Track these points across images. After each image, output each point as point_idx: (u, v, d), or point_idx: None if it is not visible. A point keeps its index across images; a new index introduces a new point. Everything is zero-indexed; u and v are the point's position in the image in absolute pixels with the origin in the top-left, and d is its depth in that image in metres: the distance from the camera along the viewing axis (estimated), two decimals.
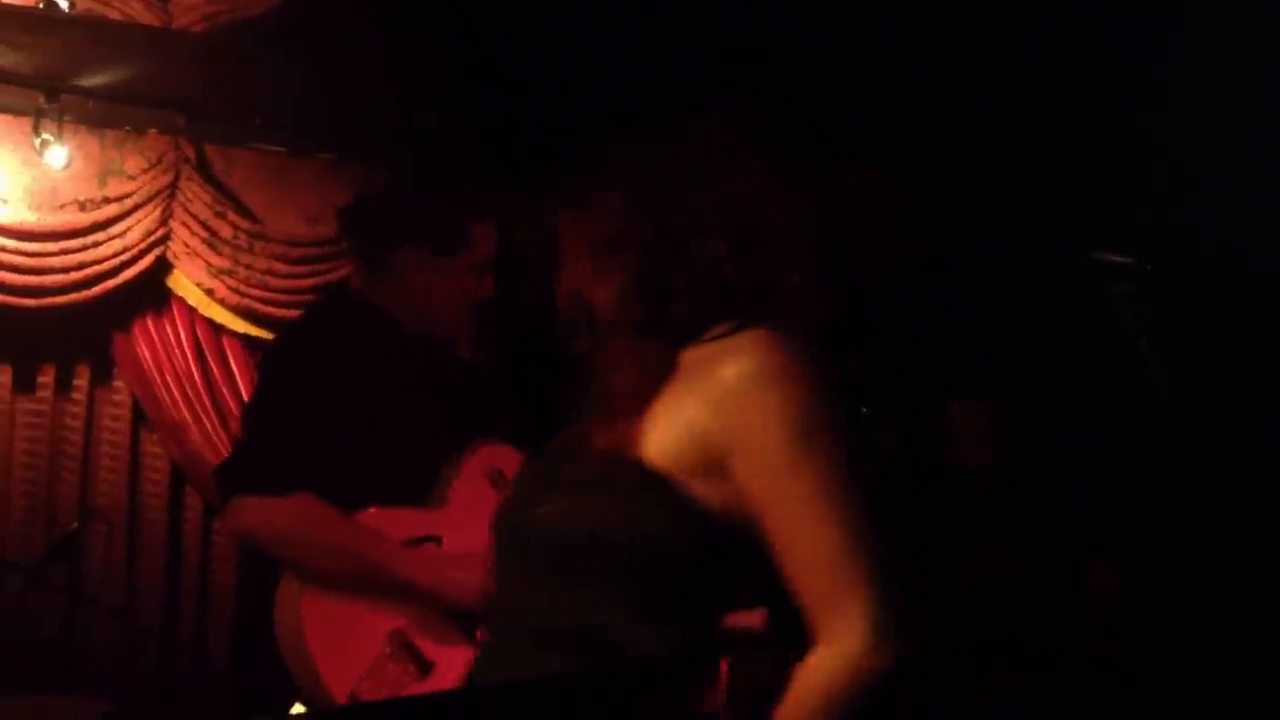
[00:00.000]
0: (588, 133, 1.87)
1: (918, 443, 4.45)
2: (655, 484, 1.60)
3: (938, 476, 4.26)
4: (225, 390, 4.78)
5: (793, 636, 3.46)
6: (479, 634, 2.45)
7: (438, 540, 2.48)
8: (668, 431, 1.62)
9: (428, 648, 2.39)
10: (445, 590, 2.40)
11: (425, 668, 2.37)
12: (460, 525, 2.50)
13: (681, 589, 1.62)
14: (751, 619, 3.54)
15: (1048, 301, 4.18)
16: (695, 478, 1.60)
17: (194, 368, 4.74)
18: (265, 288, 4.81)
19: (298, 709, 2.24)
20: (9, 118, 4.32)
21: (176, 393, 4.70)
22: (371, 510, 2.42)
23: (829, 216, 1.78)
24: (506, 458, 2.62)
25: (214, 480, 2.48)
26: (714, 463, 1.60)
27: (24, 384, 4.54)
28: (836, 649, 1.53)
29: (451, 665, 2.40)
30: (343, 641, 2.31)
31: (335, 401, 2.41)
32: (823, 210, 1.79)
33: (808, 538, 1.55)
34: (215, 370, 4.78)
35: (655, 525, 1.60)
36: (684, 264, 1.67)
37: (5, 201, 4.37)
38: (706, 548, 1.62)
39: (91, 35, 3.89)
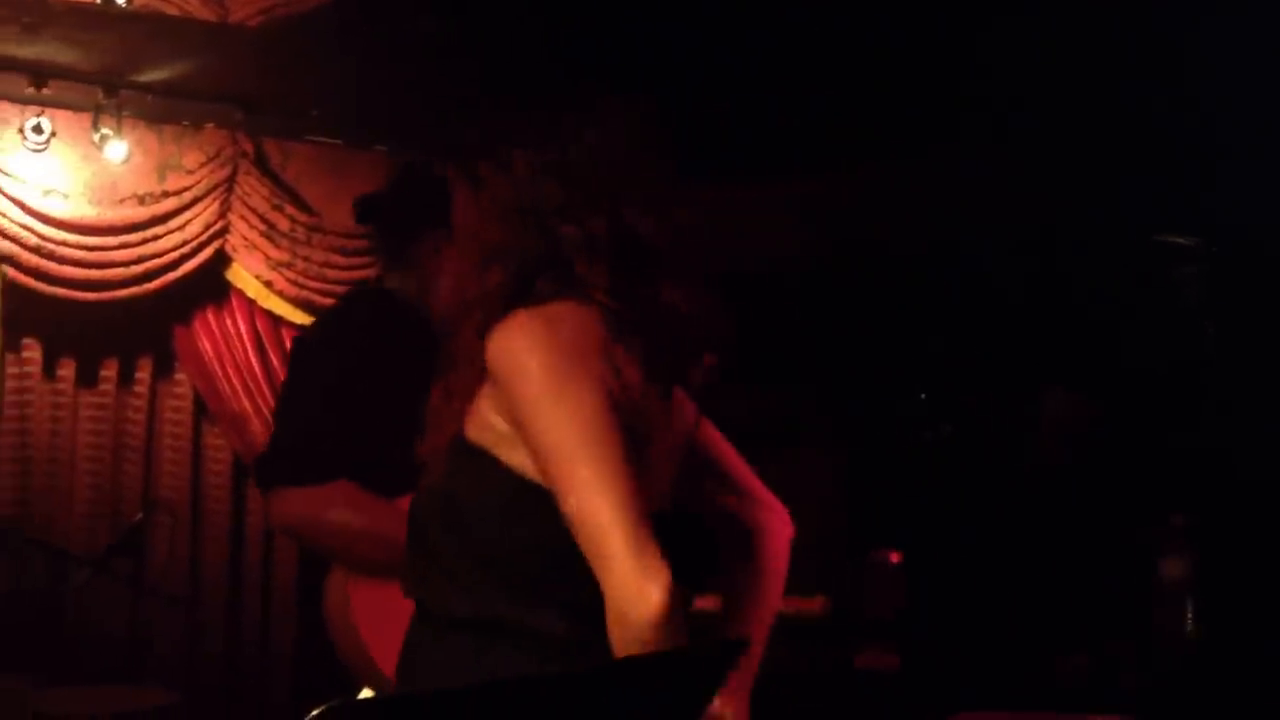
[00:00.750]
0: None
1: (988, 432, 4.41)
2: (473, 455, 1.69)
3: (1007, 466, 4.22)
4: None
5: (852, 626, 3.43)
6: None
7: None
8: (480, 406, 1.70)
9: None
10: None
11: None
12: None
13: (521, 557, 1.67)
14: (810, 605, 3.53)
15: (1115, 288, 4.11)
16: (501, 448, 1.67)
17: (254, 359, 4.78)
18: (323, 279, 4.84)
19: (366, 693, 2.24)
20: (69, 113, 4.37)
21: (237, 384, 4.74)
22: (411, 496, 2.42)
23: (734, 234, 1.78)
24: None
25: (254, 473, 2.49)
26: (507, 431, 1.66)
27: (87, 378, 4.59)
28: (609, 604, 1.57)
29: None
30: (393, 626, 2.30)
31: (366, 392, 2.40)
32: (721, 229, 1.78)
33: (566, 499, 1.59)
34: (275, 362, 4.82)
35: (474, 493, 1.68)
36: (560, 276, 1.71)
37: (66, 196, 4.42)
38: (529, 511, 1.65)
39: (149, 30, 3.92)
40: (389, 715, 1.87)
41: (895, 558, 3.53)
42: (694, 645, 1.70)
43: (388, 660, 2.26)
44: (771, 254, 5.01)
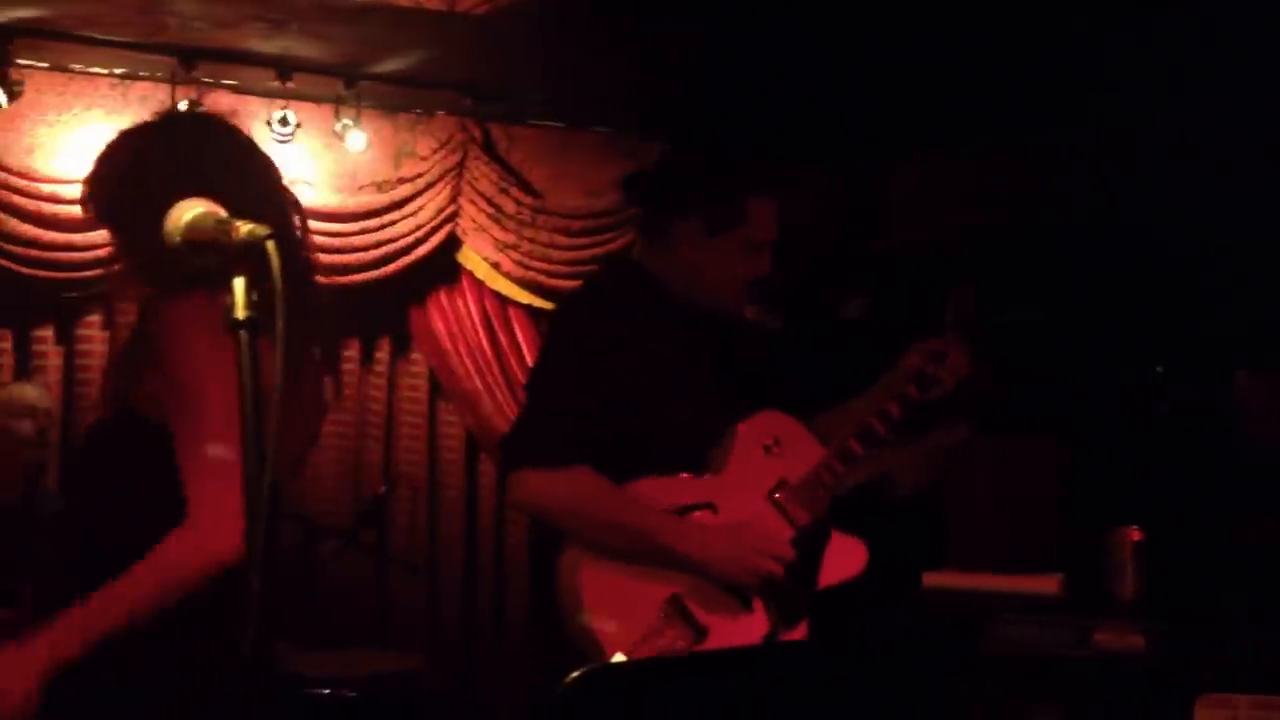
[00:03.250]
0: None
1: (1201, 411, 4.24)
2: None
3: (1216, 445, 4.05)
4: (513, 361, 4.95)
5: (1090, 605, 3.33)
6: (754, 601, 2.46)
7: (713, 507, 2.49)
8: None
9: (702, 614, 2.41)
10: (711, 562, 2.41)
11: (700, 633, 2.40)
12: (733, 493, 2.51)
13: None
14: (1045, 584, 3.44)
15: None
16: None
17: (484, 339, 4.93)
18: (548, 260, 4.95)
19: (619, 658, 2.29)
20: (311, 105, 4.57)
21: (469, 364, 4.90)
22: (649, 479, 2.45)
23: None
24: (784, 426, 2.60)
25: (498, 452, 2.54)
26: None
27: (331, 358, 4.81)
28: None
29: (724, 632, 2.42)
30: (619, 607, 2.35)
31: (616, 372, 2.44)
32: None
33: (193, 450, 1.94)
34: (504, 341, 4.96)
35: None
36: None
37: (310, 185, 4.63)
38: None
39: (384, 22, 4.08)
40: (642, 679, 1.92)
41: (1137, 535, 3.41)
42: (921, 625, 1.70)
43: (612, 641, 2.32)
44: (990, 227, 4.90)
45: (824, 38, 4.15)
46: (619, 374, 2.44)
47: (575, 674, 1.75)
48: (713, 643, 2.40)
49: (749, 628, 2.45)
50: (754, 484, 2.53)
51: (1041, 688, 3.09)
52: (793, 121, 4.87)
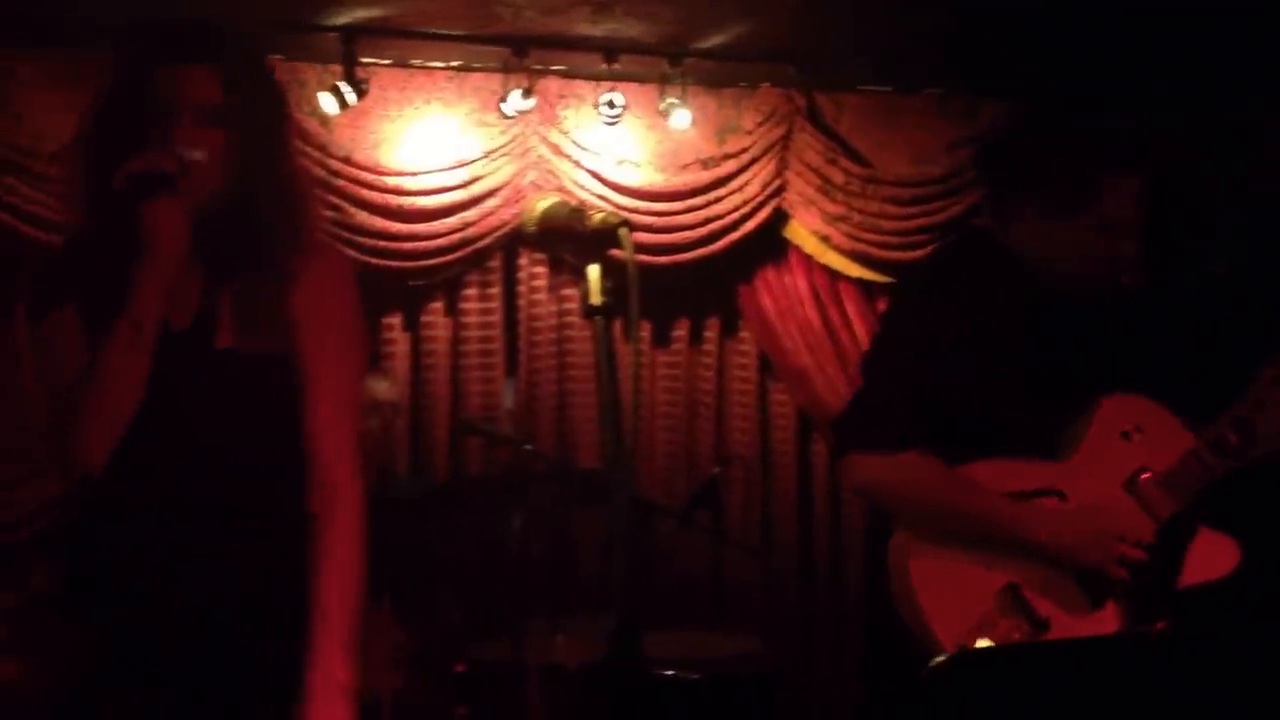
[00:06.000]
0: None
1: None
2: None
3: None
4: (844, 336, 4.83)
5: None
6: (1106, 599, 2.32)
7: (1061, 494, 2.36)
8: None
9: (1042, 605, 2.29)
10: (1064, 548, 2.29)
11: (1039, 625, 2.27)
12: (1084, 479, 2.36)
13: None
14: None
15: None
16: None
17: (813, 315, 4.83)
18: (878, 231, 4.81)
19: (983, 643, 2.19)
20: (635, 85, 4.59)
21: (798, 340, 4.81)
22: (989, 462, 2.34)
23: None
24: (1147, 412, 2.44)
25: (831, 434, 2.51)
26: None
27: (661, 338, 4.83)
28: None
29: (1067, 625, 2.28)
30: (952, 594, 2.26)
31: (959, 351, 2.33)
32: None
33: None
34: (834, 317, 4.85)
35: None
36: None
37: (636, 165, 4.65)
38: None
39: None
40: (1012, 665, 1.81)
41: None
42: None
43: (943, 627, 2.22)
44: None
45: None
46: (962, 354, 2.33)
47: (941, 658, 1.67)
48: (1053, 635, 2.28)
49: (1097, 625, 2.30)
50: (1109, 471, 2.38)
51: None
52: (1150, 66, 4.52)
